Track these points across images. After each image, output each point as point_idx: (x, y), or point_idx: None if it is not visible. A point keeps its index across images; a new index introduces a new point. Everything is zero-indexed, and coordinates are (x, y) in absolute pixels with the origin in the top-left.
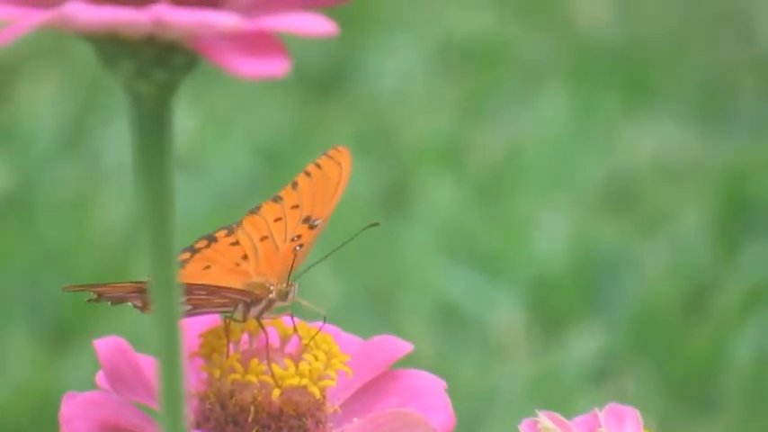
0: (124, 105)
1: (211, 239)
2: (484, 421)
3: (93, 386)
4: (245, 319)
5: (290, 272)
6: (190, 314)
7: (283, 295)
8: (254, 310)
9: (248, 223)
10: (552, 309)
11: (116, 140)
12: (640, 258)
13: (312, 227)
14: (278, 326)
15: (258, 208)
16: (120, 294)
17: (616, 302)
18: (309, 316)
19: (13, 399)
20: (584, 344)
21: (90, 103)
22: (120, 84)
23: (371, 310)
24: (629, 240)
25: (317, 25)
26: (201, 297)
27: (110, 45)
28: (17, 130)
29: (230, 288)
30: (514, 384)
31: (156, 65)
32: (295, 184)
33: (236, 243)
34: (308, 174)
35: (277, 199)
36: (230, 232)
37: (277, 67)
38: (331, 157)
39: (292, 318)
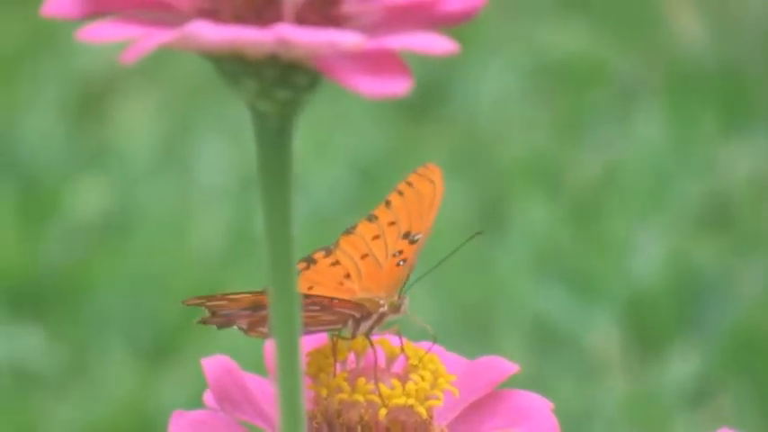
0: (220, 124)
1: (310, 261)
2: None
3: (191, 403)
4: (353, 336)
5: (403, 285)
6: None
7: (396, 308)
8: (365, 326)
9: (345, 243)
10: (649, 328)
11: (212, 159)
12: (738, 278)
13: (413, 242)
14: (384, 345)
15: (353, 228)
16: (231, 312)
17: (714, 322)
18: (414, 335)
19: (111, 415)
20: (682, 364)
21: (186, 121)
22: (244, 102)
23: (467, 328)
24: (726, 260)
25: (438, 44)
26: (312, 314)
27: (232, 64)
28: (114, 149)
29: (343, 300)
30: (611, 404)
31: (279, 84)
32: (388, 203)
33: (337, 263)
34: (400, 192)
35: (372, 218)
36: (328, 253)
37: (399, 86)
38: (421, 175)
39: (400, 337)
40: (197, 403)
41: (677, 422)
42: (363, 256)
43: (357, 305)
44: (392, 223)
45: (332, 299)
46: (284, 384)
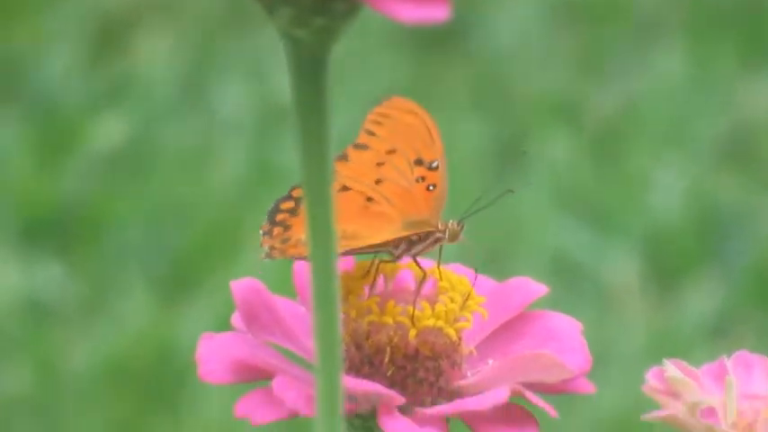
0: (240, 58)
1: None
2: (600, 376)
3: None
4: (397, 258)
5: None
6: (345, 254)
7: (455, 236)
8: (417, 248)
9: (344, 169)
10: (668, 263)
11: (232, 93)
12: (758, 212)
13: (431, 168)
14: (413, 268)
15: (345, 156)
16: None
17: (733, 256)
18: (446, 257)
19: (131, 347)
20: (701, 298)
21: (206, 55)
22: (279, 29)
23: (487, 264)
24: (746, 194)
25: None
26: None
27: None
28: (134, 84)
29: (424, 232)
30: (630, 338)
31: (316, 12)
32: (370, 132)
33: (346, 188)
34: (377, 122)
35: (359, 146)
36: None
37: (437, 12)
38: (396, 108)
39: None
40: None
41: (697, 355)
42: (378, 182)
43: (428, 233)
44: (392, 151)
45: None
46: (321, 308)
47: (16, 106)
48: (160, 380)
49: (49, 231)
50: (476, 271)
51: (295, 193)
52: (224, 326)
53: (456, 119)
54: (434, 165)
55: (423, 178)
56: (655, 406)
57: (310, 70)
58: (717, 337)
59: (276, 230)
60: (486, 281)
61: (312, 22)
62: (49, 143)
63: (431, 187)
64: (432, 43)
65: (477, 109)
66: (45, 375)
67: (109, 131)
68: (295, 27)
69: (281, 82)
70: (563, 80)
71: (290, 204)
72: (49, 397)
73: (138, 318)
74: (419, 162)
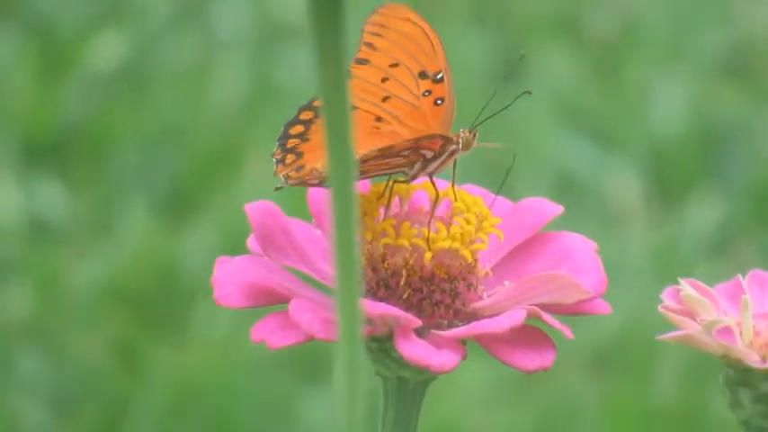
0: None
1: (315, 110)
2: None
3: (209, 255)
4: (413, 178)
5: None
6: (361, 179)
7: (468, 144)
8: (433, 166)
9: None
10: (670, 178)
11: (232, 11)
12: (758, 127)
13: (436, 81)
14: (428, 189)
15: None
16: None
17: (734, 171)
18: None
19: (132, 267)
20: (703, 213)
21: None
22: None
23: (489, 181)
24: (747, 109)
25: None
26: (386, 160)
27: None
28: (133, 2)
29: (431, 140)
30: (633, 253)
31: None
32: (370, 45)
33: (354, 108)
34: (376, 35)
35: (361, 62)
36: None
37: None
38: (391, 16)
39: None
40: (215, 255)
41: (699, 270)
42: (385, 99)
43: (446, 139)
44: (394, 65)
45: (417, 140)
46: (340, 231)
47: (15, 26)
48: (161, 300)
49: (50, 152)
50: (493, 192)
51: (303, 116)
52: (224, 246)
53: (457, 35)
54: (439, 76)
55: (429, 92)
56: (660, 322)
57: None
58: (719, 252)
59: (289, 158)
60: (500, 201)
61: None
62: (48, 63)
63: (438, 101)
64: None
65: (477, 24)
66: (46, 295)
67: (108, 51)
68: None
69: None
70: None
71: (299, 128)
72: (50, 317)
73: (139, 238)
74: (423, 75)
